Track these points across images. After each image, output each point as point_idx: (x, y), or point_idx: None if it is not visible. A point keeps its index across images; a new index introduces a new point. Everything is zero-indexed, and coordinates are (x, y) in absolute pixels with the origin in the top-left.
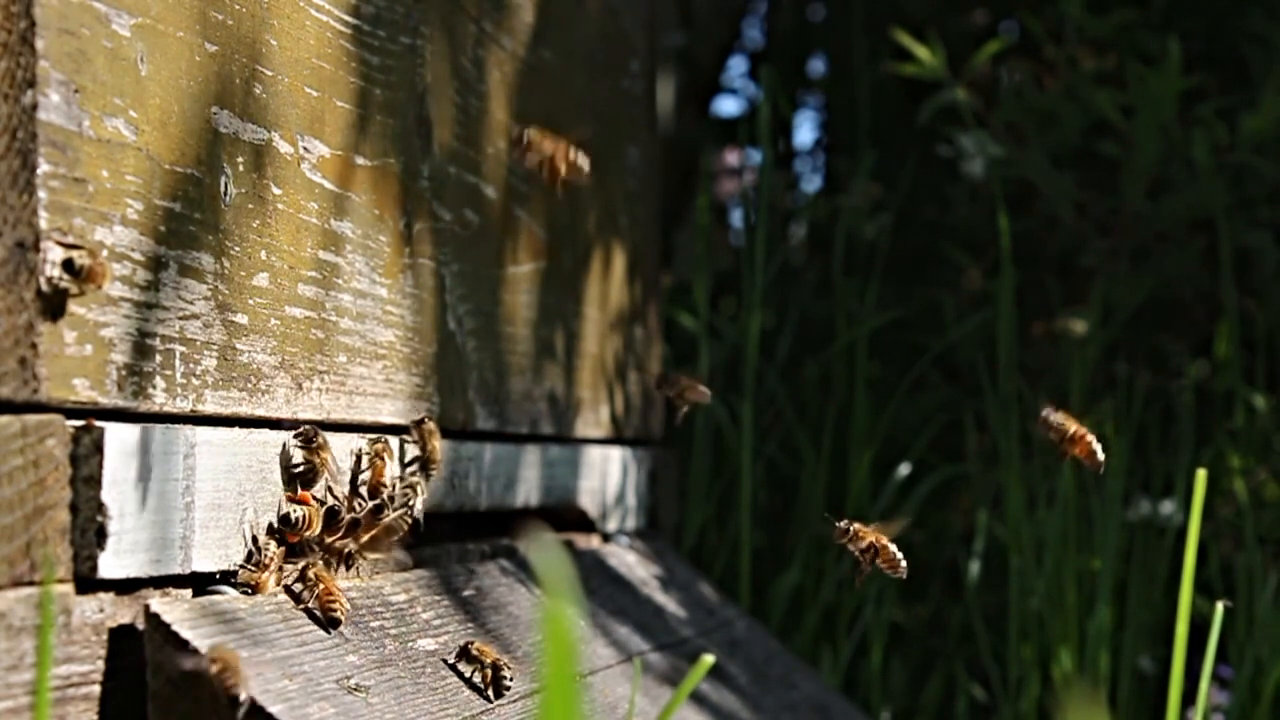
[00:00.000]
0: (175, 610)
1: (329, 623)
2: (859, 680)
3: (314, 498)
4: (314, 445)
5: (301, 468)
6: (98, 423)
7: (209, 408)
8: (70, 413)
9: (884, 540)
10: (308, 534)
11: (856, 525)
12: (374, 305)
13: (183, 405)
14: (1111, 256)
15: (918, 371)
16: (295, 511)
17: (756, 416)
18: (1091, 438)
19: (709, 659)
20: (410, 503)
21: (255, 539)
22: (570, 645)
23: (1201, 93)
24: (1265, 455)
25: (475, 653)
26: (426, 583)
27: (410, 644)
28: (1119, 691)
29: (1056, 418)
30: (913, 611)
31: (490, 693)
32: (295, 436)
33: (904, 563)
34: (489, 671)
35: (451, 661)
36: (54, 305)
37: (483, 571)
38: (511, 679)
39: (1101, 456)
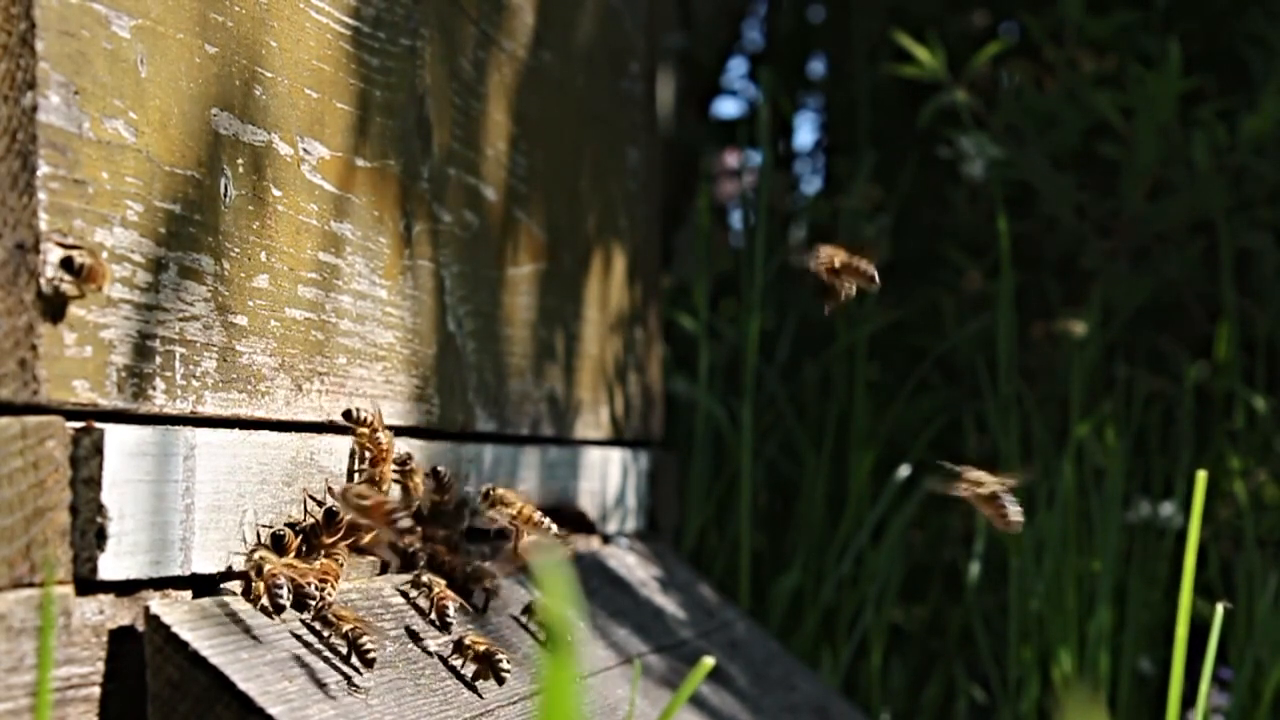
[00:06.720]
0: (175, 612)
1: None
2: (859, 681)
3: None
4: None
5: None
6: (98, 424)
7: (209, 409)
8: (70, 414)
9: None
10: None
11: None
12: (374, 307)
13: (183, 407)
14: (1111, 258)
15: (919, 374)
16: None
17: (756, 418)
18: None
19: (709, 661)
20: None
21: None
22: (570, 646)
23: (1201, 94)
24: (1265, 457)
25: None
26: None
27: (410, 645)
28: (1119, 693)
29: None
30: (913, 612)
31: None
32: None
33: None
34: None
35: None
36: (54, 307)
37: None
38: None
39: None
